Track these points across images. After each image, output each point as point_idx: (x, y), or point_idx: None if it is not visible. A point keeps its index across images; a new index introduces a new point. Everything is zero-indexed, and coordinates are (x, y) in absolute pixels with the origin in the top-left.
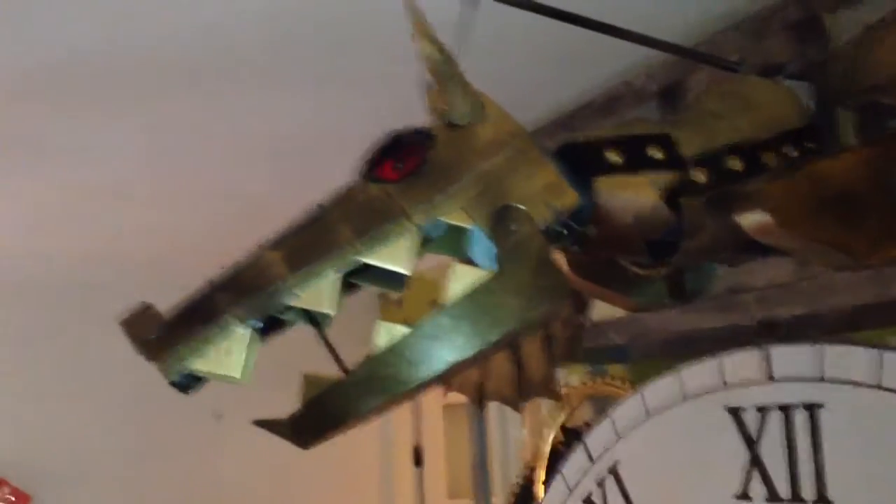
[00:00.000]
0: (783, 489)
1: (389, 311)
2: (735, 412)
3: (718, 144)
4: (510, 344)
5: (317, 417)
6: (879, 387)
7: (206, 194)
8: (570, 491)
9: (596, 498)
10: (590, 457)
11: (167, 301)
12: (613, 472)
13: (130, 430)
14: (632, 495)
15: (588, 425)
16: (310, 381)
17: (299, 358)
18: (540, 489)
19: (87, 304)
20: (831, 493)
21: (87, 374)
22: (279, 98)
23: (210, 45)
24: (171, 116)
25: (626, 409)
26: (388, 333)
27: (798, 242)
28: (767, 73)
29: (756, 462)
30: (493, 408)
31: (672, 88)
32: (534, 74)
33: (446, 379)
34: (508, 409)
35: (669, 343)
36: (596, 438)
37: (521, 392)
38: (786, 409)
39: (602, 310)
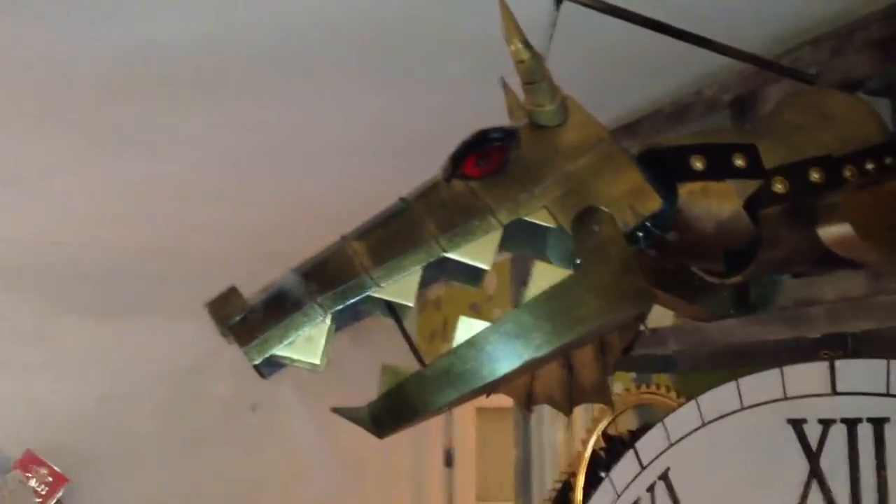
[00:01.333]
0: (843, 502)
1: (428, 313)
2: (796, 424)
3: (800, 156)
4: (587, 345)
5: (394, 407)
6: None
7: (269, 192)
8: (618, 496)
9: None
10: (640, 463)
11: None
12: (664, 478)
13: (168, 421)
14: (683, 502)
15: (632, 433)
16: (389, 371)
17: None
18: (578, 495)
19: (137, 295)
20: None
21: (129, 361)
22: (349, 98)
23: (285, 45)
24: (242, 114)
25: (681, 416)
26: (468, 328)
27: (879, 256)
28: (846, 88)
29: (816, 475)
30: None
31: (745, 99)
32: (603, 78)
33: (522, 376)
34: (545, 414)
35: (719, 355)
36: (647, 444)
37: (571, 397)
38: (850, 423)
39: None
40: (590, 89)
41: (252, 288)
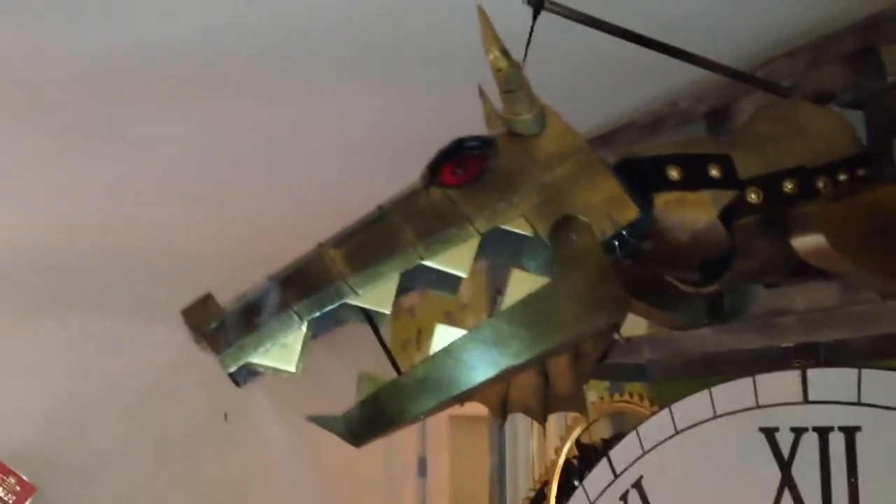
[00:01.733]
0: None
1: (402, 321)
2: (768, 432)
3: (774, 167)
4: (563, 353)
5: (371, 416)
6: None
7: (255, 194)
8: (592, 503)
9: None
10: (613, 471)
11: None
12: (637, 486)
13: (139, 427)
14: None
15: (606, 441)
16: (365, 379)
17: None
18: (552, 501)
19: (109, 298)
20: None
21: (99, 366)
22: (347, 99)
23: (282, 45)
24: (234, 114)
25: (654, 424)
26: (445, 336)
27: (851, 267)
28: (819, 100)
29: (788, 482)
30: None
31: (720, 111)
32: (579, 88)
33: (499, 383)
34: (518, 423)
35: (692, 363)
36: (620, 452)
37: (546, 405)
38: (821, 431)
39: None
40: (565, 99)
41: (233, 292)
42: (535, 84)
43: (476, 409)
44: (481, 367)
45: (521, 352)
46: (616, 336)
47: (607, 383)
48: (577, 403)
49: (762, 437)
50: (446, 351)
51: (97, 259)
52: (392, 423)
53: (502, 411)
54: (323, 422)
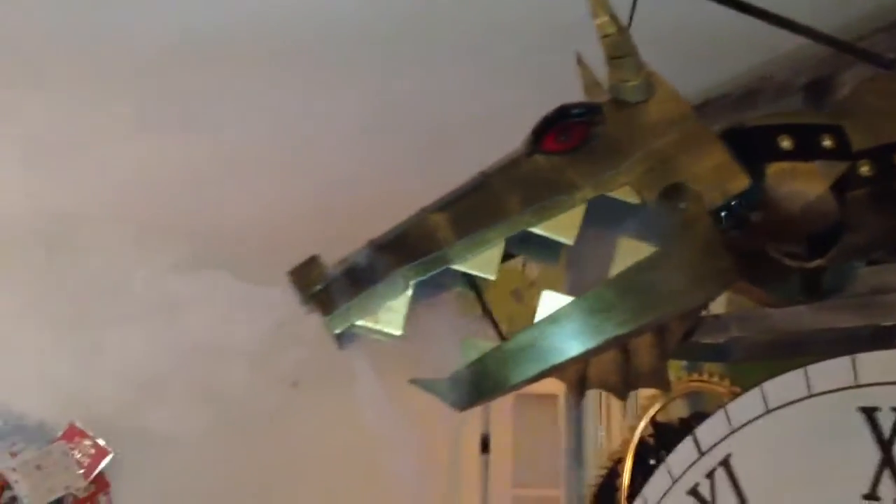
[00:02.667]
0: None
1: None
2: (868, 412)
3: (884, 140)
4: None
5: (475, 381)
6: None
7: (317, 169)
8: (675, 481)
9: (703, 490)
10: (699, 449)
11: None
12: (725, 464)
13: (212, 395)
14: (744, 489)
15: (684, 420)
16: (470, 344)
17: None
18: (626, 480)
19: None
20: None
21: (173, 335)
22: (417, 78)
23: (366, 21)
24: (308, 90)
25: (744, 402)
26: (550, 303)
27: None
28: None
29: (888, 463)
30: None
31: (820, 84)
32: (673, 58)
33: (603, 352)
34: (586, 403)
35: (774, 344)
36: (707, 431)
37: (626, 381)
38: None
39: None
40: (658, 69)
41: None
42: None
43: (540, 387)
44: (586, 336)
45: (626, 321)
46: (703, 313)
47: (684, 363)
48: (659, 380)
49: (861, 416)
50: (551, 318)
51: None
52: (496, 390)
53: (580, 388)
54: (427, 385)
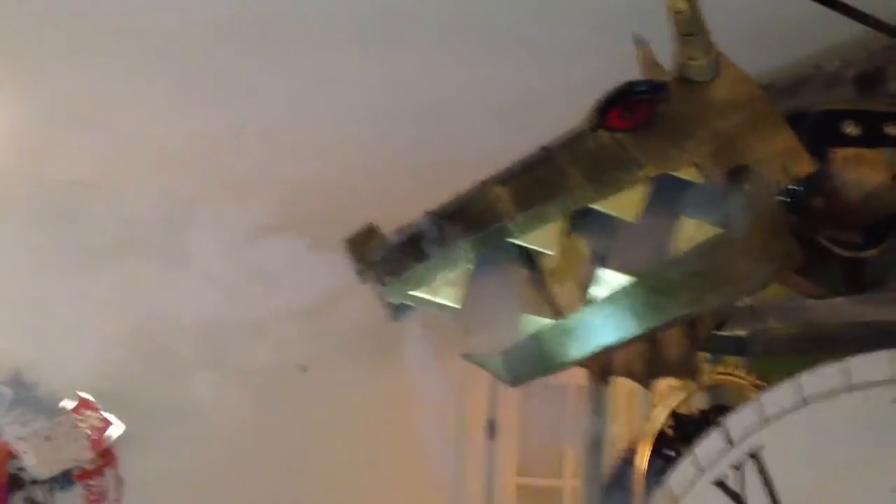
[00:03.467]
0: None
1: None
2: None
3: None
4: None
5: (531, 356)
6: None
7: (348, 147)
8: (702, 472)
9: (731, 481)
10: (729, 440)
11: None
12: (755, 456)
13: (223, 374)
14: (775, 481)
15: (704, 412)
16: (527, 320)
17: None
18: (642, 467)
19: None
20: None
21: (183, 312)
22: (453, 59)
23: (392, 5)
24: (343, 69)
25: (779, 394)
26: (609, 283)
27: None
28: None
29: None
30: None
31: (872, 75)
32: (721, 45)
33: (665, 331)
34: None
35: (797, 339)
36: (738, 422)
37: (652, 370)
38: None
39: None
40: None
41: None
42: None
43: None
44: (647, 316)
45: (689, 302)
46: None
47: (707, 355)
48: (688, 370)
49: None
50: (611, 298)
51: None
52: (551, 365)
53: (603, 375)
54: (479, 360)
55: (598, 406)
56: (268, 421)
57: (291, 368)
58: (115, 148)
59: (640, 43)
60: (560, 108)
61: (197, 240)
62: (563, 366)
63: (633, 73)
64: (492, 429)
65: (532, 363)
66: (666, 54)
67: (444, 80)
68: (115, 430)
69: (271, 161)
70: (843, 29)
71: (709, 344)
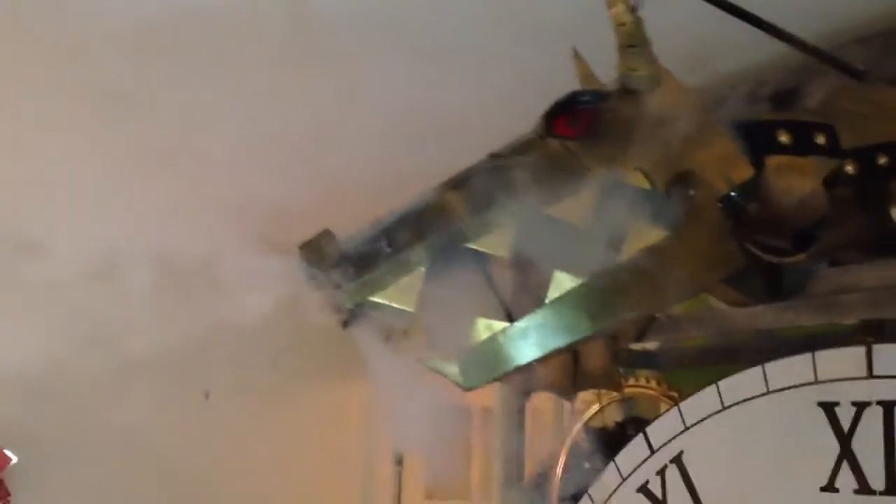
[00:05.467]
0: (877, 482)
1: None
2: (827, 407)
3: (865, 142)
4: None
5: (486, 359)
6: None
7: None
8: (624, 480)
9: (654, 487)
10: (650, 447)
11: None
12: (677, 462)
13: (119, 405)
14: (697, 485)
15: (620, 424)
16: (482, 323)
17: (285, 340)
18: (556, 484)
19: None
20: None
21: (79, 336)
22: (383, 75)
23: (319, 19)
24: (267, 88)
25: (699, 401)
26: (561, 284)
27: None
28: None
29: (847, 455)
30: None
31: (787, 93)
32: None
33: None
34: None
35: (705, 352)
36: (659, 429)
37: (575, 383)
38: (887, 405)
39: None
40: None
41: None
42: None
43: (454, 400)
44: (598, 316)
45: (639, 303)
46: (657, 314)
47: (620, 369)
48: (610, 381)
49: (820, 411)
50: (564, 298)
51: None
52: (506, 368)
53: (524, 391)
54: (436, 365)
55: (513, 424)
56: (168, 449)
57: (195, 394)
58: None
59: (577, 56)
60: (497, 119)
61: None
62: (518, 368)
63: (568, 83)
64: (399, 455)
65: (487, 367)
66: (595, 64)
67: (371, 96)
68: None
69: (184, 183)
70: (755, 50)
71: (622, 358)
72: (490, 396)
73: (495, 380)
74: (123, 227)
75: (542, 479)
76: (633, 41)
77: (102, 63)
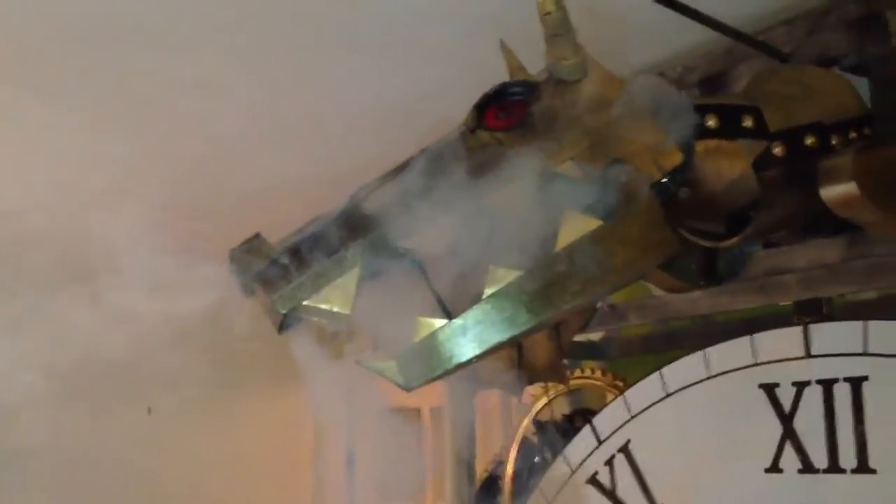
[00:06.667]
0: (819, 460)
1: None
2: (768, 388)
3: (792, 123)
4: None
5: (426, 357)
6: None
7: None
8: (573, 471)
9: (602, 477)
10: (598, 438)
11: None
12: (625, 451)
13: (63, 421)
14: (645, 472)
15: (568, 416)
16: (421, 322)
17: (229, 355)
18: (508, 480)
19: (22, 275)
20: (873, 461)
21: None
22: (320, 68)
23: (258, 11)
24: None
25: (643, 388)
26: (500, 278)
27: (877, 216)
28: (821, 66)
29: (790, 435)
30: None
31: (714, 78)
32: None
33: (553, 324)
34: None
35: (649, 339)
36: (606, 419)
37: (521, 377)
38: (826, 384)
39: None
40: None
41: None
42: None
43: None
44: (539, 308)
45: (578, 292)
46: (599, 304)
47: (565, 361)
48: (556, 373)
49: (761, 393)
50: (502, 292)
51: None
52: (448, 366)
53: (472, 387)
54: (374, 366)
55: (463, 423)
56: (108, 465)
57: (137, 408)
58: None
59: (505, 48)
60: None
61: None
62: (459, 365)
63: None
64: (351, 458)
65: (426, 366)
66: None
67: (313, 88)
68: None
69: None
70: (682, 36)
71: (568, 349)
72: (440, 396)
73: (436, 378)
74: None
75: (494, 476)
76: (559, 30)
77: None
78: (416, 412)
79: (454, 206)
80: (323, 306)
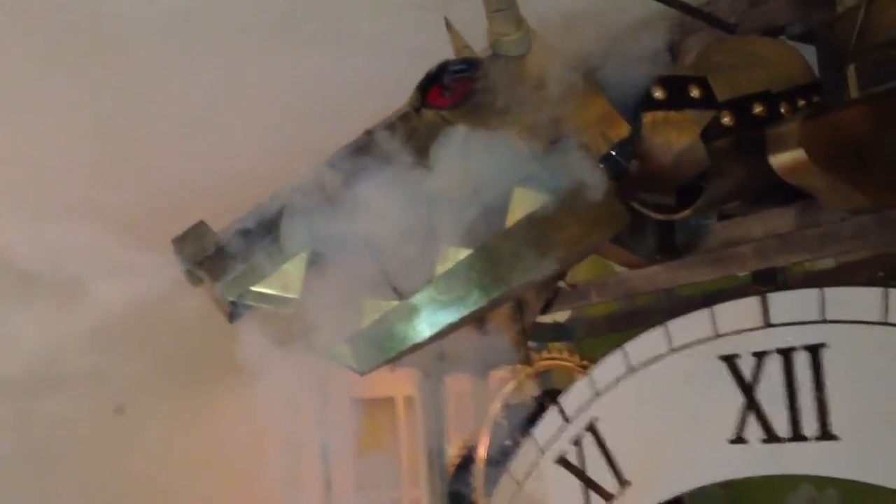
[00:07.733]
0: (782, 429)
1: None
2: (729, 359)
3: (740, 92)
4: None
5: (378, 339)
6: (885, 323)
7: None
8: (543, 452)
9: (571, 457)
10: (565, 417)
11: None
12: (592, 429)
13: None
14: (612, 450)
15: (536, 398)
16: (371, 304)
17: (200, 353)
18: (480, 465)
19: None
20: (835, 428)
21: None
22: (256, 62)
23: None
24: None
25: (607, 366)
26: (449, 257)
27: (826, 182)
28: (767, 34)
29: (752, 406)
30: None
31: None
32: None
33: (508, 302)
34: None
35: (613, 318)
36: (572, 399)
37: (487, 360)
38: (785, 353)
39: None
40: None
41: None
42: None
43: (377, 391)
44: (490, 286)
45: (529, 269)
46: (560, 283)
47: (531, 343)
48: (522, 356)
49: (723, 364)
50: (452, 272)
51: None
52: (399, 347)
53: (437, 372)
54: (325, 351)
55: (434, 410)
56: (79, 474)
57: (105, 410)
58: None
59: (450, 27)
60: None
61: None
62: (411, 347)
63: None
64: (325, 451)
65: (379, 348)
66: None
67: (254, 80)
68: None
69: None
70: (630, 10)
71: (533, 332)
72: (412, 385)
73: (390, 361)
74: None
75: (467, 460)
76: (501, 5)
77: None
78: (390, 401)
79: (401, 185)
80: (271, 291)
